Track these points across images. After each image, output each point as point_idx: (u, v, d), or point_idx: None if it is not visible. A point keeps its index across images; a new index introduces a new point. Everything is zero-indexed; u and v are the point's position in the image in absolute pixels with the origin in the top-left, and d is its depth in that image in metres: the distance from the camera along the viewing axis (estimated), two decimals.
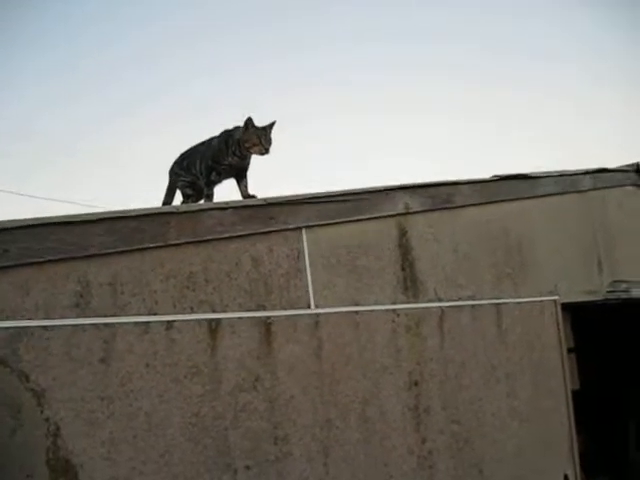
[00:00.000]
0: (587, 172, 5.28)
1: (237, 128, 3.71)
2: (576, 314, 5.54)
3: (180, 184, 3.87)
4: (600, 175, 5.39)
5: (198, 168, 3.77)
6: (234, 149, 3.65)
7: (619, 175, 5.61)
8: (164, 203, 3.99)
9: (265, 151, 3.66)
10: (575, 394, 5.09)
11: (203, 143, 3.86)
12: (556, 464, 4.75)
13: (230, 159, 3.67)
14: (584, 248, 5.23)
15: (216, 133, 3.87)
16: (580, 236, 5.22)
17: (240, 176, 3.73)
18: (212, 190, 3.74)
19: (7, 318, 2.66)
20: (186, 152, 3.94)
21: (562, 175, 5.08)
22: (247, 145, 3.62)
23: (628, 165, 5.75)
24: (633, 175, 5.77)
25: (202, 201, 3.82)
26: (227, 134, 3.72)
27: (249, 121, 3.64)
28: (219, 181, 3.76)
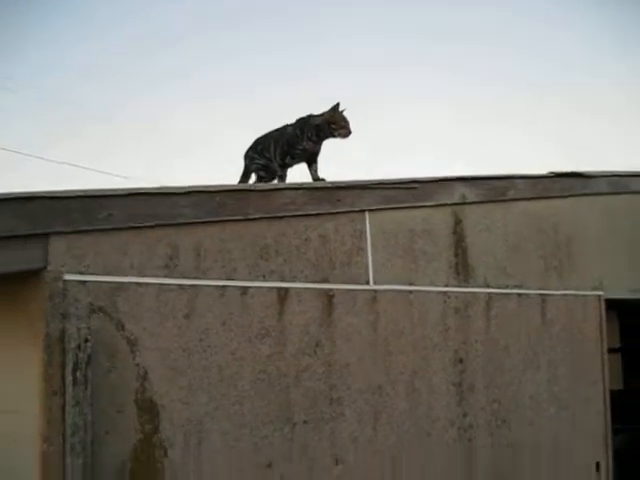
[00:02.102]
0: (638, 174, 5.48)
1: (312, 116, 4.06)
2: (627, 317, 5.75)
3: (254, 167, 4.24)
4: None
5: (272, 152, 4.12)
6: (310, 134, 4.00)
7: None
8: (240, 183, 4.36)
9: (350, 132, 4.03)
10: (620, 393, 5.30)
11: (277, 130, 4.22)
12: (590, 452, 5.00)
13: (305, 144, 4.02)
14: (632, 248, 5.44)
15: (290, 121, 4.23)
16: (629, 236, 5.43)
17: (311, 160, 4.09)
18: (285, 172, 4.11)
19: (108, 274, 3.06)
20: (260, 138, 4.30)
21: (615, 175, 5.30)
22: (334, 127, 3.98)
23: None
24: None
25: (275, 182, 4.17)
26: (303, 121, 4.08)
27: (337, 105, 4.00)
28: (292, 164, 4.12)
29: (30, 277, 2.93)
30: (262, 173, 4.20)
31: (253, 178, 4.34)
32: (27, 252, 2.87)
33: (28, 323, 3.00)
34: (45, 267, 2.90)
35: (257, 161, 4.20)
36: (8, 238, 2.80)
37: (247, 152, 4.31)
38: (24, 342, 3.02)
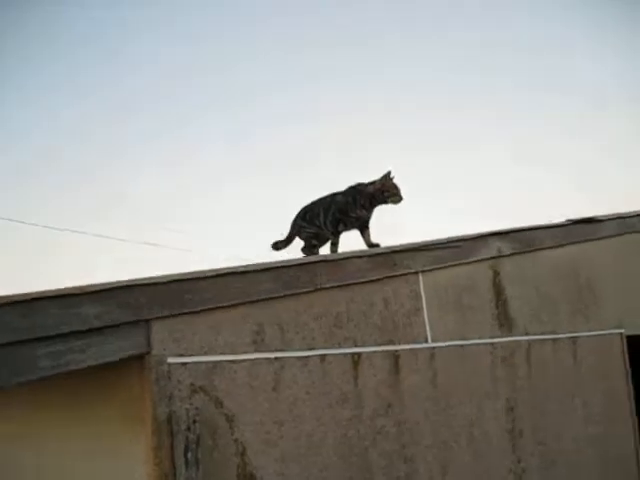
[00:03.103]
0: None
1: (364, 184, 4.25)
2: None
3: (305, 235, 4.37)
4: None
5: (322, 220, 4.27)
6: (363, 202, 4.17)
7: None
8: (278, 248, 4.49)
9: (402, 199, 4.21)
10: None
11: (325, 198, 4.38)
12: None
13: (358, 212, 4.19)
14: None
15: (339, 189, 4.40)
16: None
17: (363, 227, 4.25)
18: (338, 239, 4.26)
19: (205, 354, 3.15)
20: (308, 206, 4.45)
21: (620, 217, 5.60)
22: (387, 194, 4.16)
23: None
24: None
25: (330, 250, 4.32)
26: (354, 190, 4.25)
27: (389, 173, 4.19)
28: (344, 231, 4.28)
29: (132, 363, 3.00)
30: (314, 241, 4.34)
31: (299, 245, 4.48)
32: (132, 339, 2.95)
33: (132, 409, 3.05)
34: (149, 352, 2.98)
35: (307, 229, 4.33)
36: (115, 326, 2.88)
37: (295, 221, 4.44)
38: (129, 429, 3.07)
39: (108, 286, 2.91)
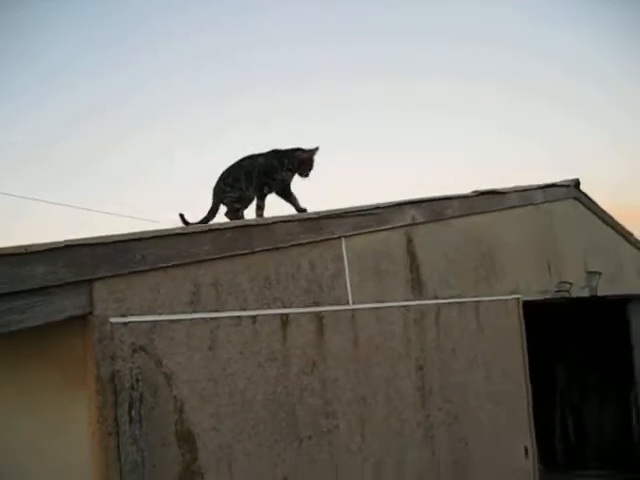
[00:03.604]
0: (540, 187, 6.20)
1: (296, 149, 4.34)
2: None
3: (228, 199, 4.41)
4: (549, 190, 6.33)
5: (245, 184, 4.33)
6: (290, 166, 4.28)
7: (563, 190, 6.58)
8: (206, 219, 4.48)
9: (308, 176, 4.37)
10: None
11: (243, 161, 4.43)
12: (519, 438, 5.64)
13: (284, 174, 4.30)
14: (537, 253, 6.15)
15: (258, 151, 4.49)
16: (534, 243, 6.13)
17: (287, 191, 4.36)
18: (264, 202, 4.34)
19: (145, 314, 3.20)
20: (228, 170, 4.47)
21: (523, 190, 5.97)
22: (308, 167, 4.27)
23: (570, 180, 6.74)
24: (573, 190, 6.76)
25: (257, 214, 4.40)
26: (281, 153, 4.34)
27: (317, 150, 4.30)
28: (269, 193, 4.37)
29: (75, 323, 3.02)
30: (237, 205, 4.39)
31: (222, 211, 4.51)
32: (75, 299, 2.97)
33: (75, 369, 3.07)
34: (92, 312, 3.00)
35: (230, 194, 4.37)
36: (58, 286, 2.89)
37: (217, 186, 4.46)
38: (72, 388, 3.10)
39: (52, 246, 2.91)
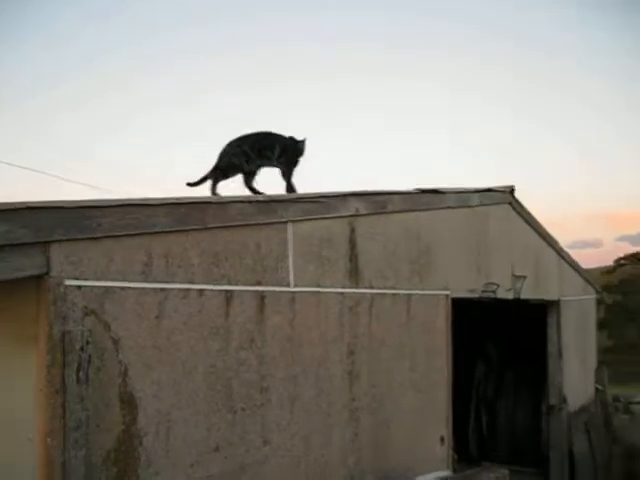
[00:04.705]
0: (477, 190, 6.48)
1: (292, 138, 4.72)
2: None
3: (251, 167, 4.82)
4: (486, 194, 6.63)
5: (276, 153, 4.79)
6: (279, 151, 4.57)
7: (499, 195, 6.90)
8: (205, 178, 4.90)
9: None
10: None
11: (270, 133, 4.84)
12: (437, 427, 5.93)
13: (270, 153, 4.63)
14: (469, 254, 6.44)
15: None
16: (467, 243, 6.43)
17: (252, 173, 4.63)
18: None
19: (98, 279, 3.32)
20: (252, 138, 4.85)
21: (460, 192, 6.24)
22: (299, 156, 4.59)
23: (505, 186, 7.06)
24: (508, 195, 7.09)
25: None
26: (276, 137, 4.62)
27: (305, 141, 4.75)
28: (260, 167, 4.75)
29: (29, 283, 3.11)
30: (254, 169, 4.83)
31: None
32: (32, 259, 3.06)
33: (27, 327, 3.17)
34: (48, 273, 3.11)
35: (257, 162, 4.84)
36: (16, 245, 2.98)
37: (237, 149, 4.78)
38: (23, 346, 3.20)
39: (12, 206, 3.00)
